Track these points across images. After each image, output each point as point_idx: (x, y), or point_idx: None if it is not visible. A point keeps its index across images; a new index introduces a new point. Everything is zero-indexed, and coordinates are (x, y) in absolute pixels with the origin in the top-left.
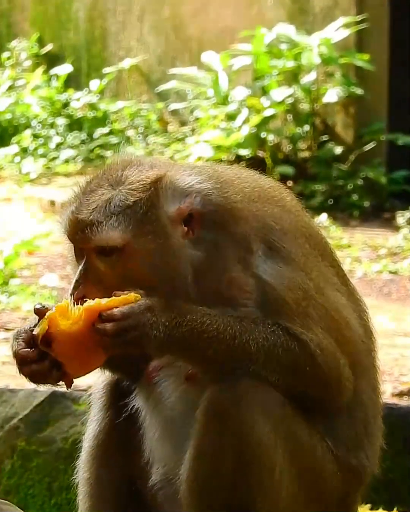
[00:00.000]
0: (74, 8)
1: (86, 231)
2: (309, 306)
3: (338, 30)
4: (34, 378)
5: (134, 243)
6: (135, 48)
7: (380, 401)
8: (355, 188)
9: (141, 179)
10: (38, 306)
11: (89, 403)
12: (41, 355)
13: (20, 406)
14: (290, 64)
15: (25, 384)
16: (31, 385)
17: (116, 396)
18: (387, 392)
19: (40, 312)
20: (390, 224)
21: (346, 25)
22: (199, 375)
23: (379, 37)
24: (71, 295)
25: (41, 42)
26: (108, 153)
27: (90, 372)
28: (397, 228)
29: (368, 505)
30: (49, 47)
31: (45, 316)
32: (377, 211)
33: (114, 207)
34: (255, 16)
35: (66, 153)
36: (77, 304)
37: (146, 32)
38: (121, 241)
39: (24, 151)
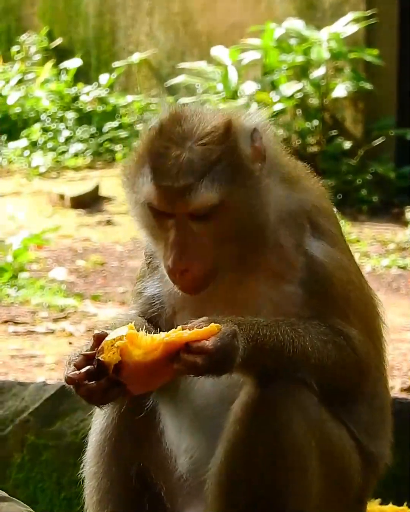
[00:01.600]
0: (84, 2)
1: (182, 197)
2: (351, 290)
3: (347, 25)
4: (91, 397)
5: (231, 197)
6: (145, 43)
7: (388, 390)
8: (364, 183)
9: (211, 130)
10: (98, 332)
11: None
12: (98, 375)
13: (30, 399)
14: (299, 59)
15: (36, 378)
16: (41, 379)
17: None
18: (396, 387)
19: (100, 338)
20: (399, 219)
21: (355, 20)
22: None
23: (388, 32)
24: (168, 268)
25: (50, 36)
26: (117, 147)
27: (148, 390)
28: (405, 223)
29: (378, 500)
30: (58, 41)
31: (115, 344)
32: (385, 206)
33: (201, 166)
34: (264, 11)
35: (76, 147)
36: (180, 275)
37: (155, 27)
38: (219, 199)
39: (34, 144)
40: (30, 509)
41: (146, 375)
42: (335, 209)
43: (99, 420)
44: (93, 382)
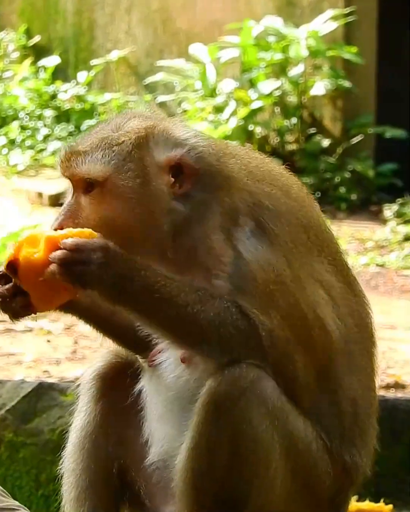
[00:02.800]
0: (62, 0)
1: (72, 160)
2: (276, 292)
3: (326, 23)
4: (2, 304)
5: (115, 179)
6: (123, 40)
7: (374, 401)
8: (343, 181)
9: (138, 124)
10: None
11: (77, 395)
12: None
13: (8, 397)
14: (278, 56)
15: (14, 376)
16: (19, 377)
17: (106, 388)
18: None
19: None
20: (377, 217)
21: (334, 18)
22: (193, 357)
23: (367, 30)
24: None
25: (29, 34)
26: None
27: (54, 308)
28: (384, 221)
29: (355, 497)
30: (37, 38)
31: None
32: (364, 204)
33: (104, 143)
34: (243, 8)
35: (54, 145)
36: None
37: (134, 25)
38: (102, 174)
39: (12, 143)
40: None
41: (37, 276)
42: (316, 215)
43: (80, 417)
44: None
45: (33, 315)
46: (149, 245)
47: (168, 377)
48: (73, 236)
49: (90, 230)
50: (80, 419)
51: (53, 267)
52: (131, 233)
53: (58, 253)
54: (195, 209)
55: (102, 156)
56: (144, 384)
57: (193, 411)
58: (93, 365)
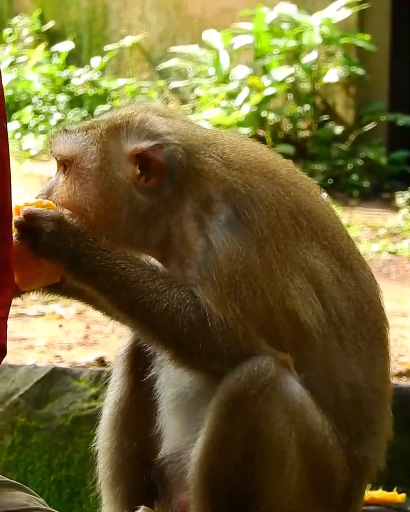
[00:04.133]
0: None
1: (55, 138)
2: (241, 283)
3: (339, 10)
4: None
5: (80, 160)
6: (137, 26)
7: (383, 388)
8: (355, 168)
9: (122, 112)
10: None
11: (109, 370)
12: None
13: (21, 382)
14: (291, 43)
15: (26, 360)
16: (31, 361)
17: (138, 362)
18: None
19: None
20: (389, 205)
21: (348, 5)
22: None
23: (380, 18)
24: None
25: (42, 19)
26: None
27: (35, 286)
28: (396, 209)
29: (368, 486)
30: (50, 24)
31: None
32: (376, 191)
33: (82, 126)
34: None
35: None
36: None
37: (147, 10)
38: (69, 154)
39: (25, 127)
40: (38, 497)
41: (18, 257)
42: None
43: (112, 392)
44: None
45: (18, 294)
46: (116, 231)
47: (182, 372)
48: (31, 205)
49: (50, 202)
50: (112, 394)
51: (14, 233)
52: (95, 216)
53: (15, 218)
54: (164, 202)
55: (75, 137)
56: (158, 373)
57: (208, 406)
58: (126, 339)
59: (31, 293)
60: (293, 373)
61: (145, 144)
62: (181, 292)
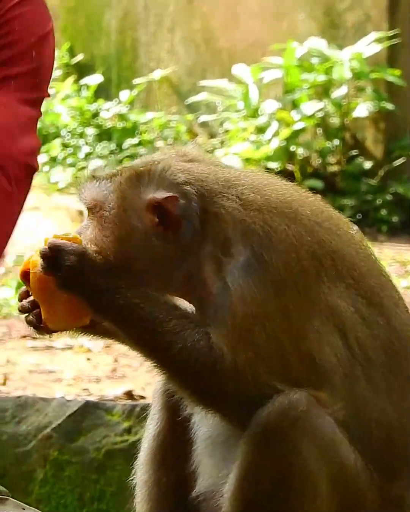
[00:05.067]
0: (105, 19)
1: (83, 184)
2: (255, 326)
3: (369, 45)
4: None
5: (102, 208)
6: (166, 60)
7: None
8: (384, 203)
9: (148, 160)
10: None
11: (143, 405)
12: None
13: (54, 415)
14: (321, 78)
15: (54, 393)
16: (59, 394)
17: (175, 397)
18: None
19: None
20: None
21: (378, 40)
22: None
23: None
24: None
25: (72, 52)
26: None
27: (66, 327)
28: None
29: None
30: (79, 57)
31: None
32: (405, 227)
33: (109, 173)
34: (286, 29)
35: (95, 163)
36: None
37: (177, 44)
38: (92, 201)
39: (53, 160)
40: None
41: (43, 288)
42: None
43: (152, 425)
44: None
45: (47, 333)
46: (138, 274)
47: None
48: (59, 237)
49: (77, 235)
50: (151, 428)
51: (39, 262)
52: (116, 260)
53: (41, 248)
54: (183, 247)
55: (100, 185)
56: (193, 411)
57: (241, 440)
58: None
59: (62, 332)
60: (325, 408)
61: (160, 195)
62: (196, 334)
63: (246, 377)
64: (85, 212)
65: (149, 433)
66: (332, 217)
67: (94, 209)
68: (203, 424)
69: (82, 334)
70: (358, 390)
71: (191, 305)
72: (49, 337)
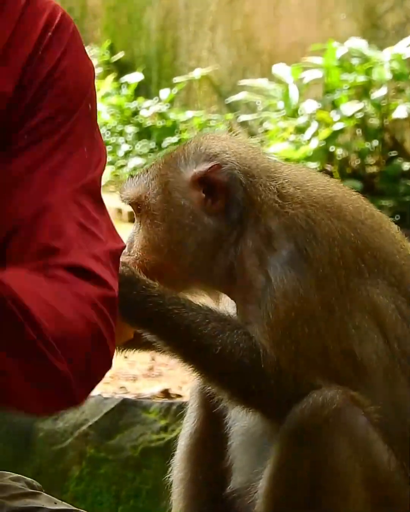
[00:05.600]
0: (146, 17)
1: (124, 184)
2: (298, 322)
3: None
4: None
5: (146, 199)
6: (206, 59)
7: None
8: None
9: (182, 145)
10: None
11: (180, 404)
12: None
13: (90, 413)
14: (361, 78)
15: (93, 391)
16: (96, 392)
17: (211, 395)
18: None
19: None
20: None
21: None
22: None
23: None
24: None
25: (112, 50)
26: None
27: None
28: None
29: None
30: (120, 55)
31: None
32: None
33: (145, 168)
34: (326, 29)
35: (135, 161)
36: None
37: (217, 43)
38: (134, 195)
39: None
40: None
41: None
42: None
43: (189, 423)
44: None
45: None
46: (183, 266)
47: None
48: None
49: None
50: (188, 426)
51: None
52: (167, 250)
53: None
54: (232, 228)
55: (139, 179)
56: (227, 407)
57: (275, 438)
58: None
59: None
60: (360, 406)
61: (203, 167)
62: (235, 336)
63: (288, 375)
64: (132, 213)
65: (186, 431)
66: (374, 215)
67: (138, 203)
68: (239, 420)
69: (128, 349)
70: (397, 388)
71: (232, 300)
72: None
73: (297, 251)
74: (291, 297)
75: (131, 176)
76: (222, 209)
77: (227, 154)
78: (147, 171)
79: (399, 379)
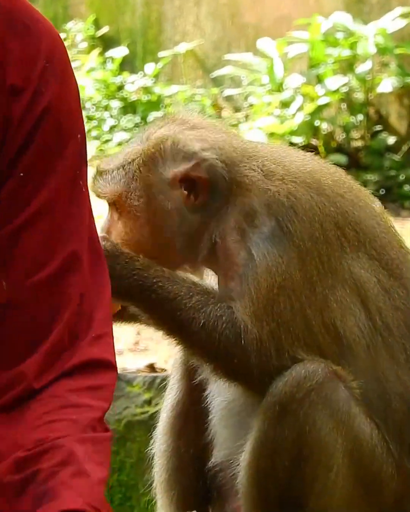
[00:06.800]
0: None
1: (96, 180)
2: (280, 297)
3: (394, 20)
4: None
5: (126, 198)
6: (191, 33)
7: None
8: (407, 179)
9: (154, 140)
10: None
11: (163, 377)
12: None
13: None
14: (346, 53)
15: None
16: None
17: (194, 367)
18: None
19: None
20: None
21: (403, 15)
22: None
23: None
24: None
25: (97, 25)
26: None
27: None
28: None
29: None
30: (105, 29)
31: None
32: None
33: (121, 162)
34: (312, 4)
35: (120, 136)
36: None
37: (203, 17)
38: (113, 194)
39: None
40: None
41: None
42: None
43: (170, 395)
44: None
45: None
46: (169, 255)
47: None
48: None
49: None
50: (170, 398)
51: None
52: (152, 246)
53: None
54: (213, 214)
55: (114, 176)
56: (208, 381)
57: (256, 411)
58: None
59: None
60: (342, 380)
61: (183, 167)
62: (218, 309)
63: (270, 349)
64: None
65: (168, 402)
66: (353, 188)
67: (118, 201)
68: (219, 394)
69: (113, 322)
70: (379, 361)
71: (216, 275)
72: None
73: (279, 228)
74: (273, 272)
75: (102, 171)
76: (205, 202)
77: (206, 151)
78: (122, 168)
79: (380, 352)
